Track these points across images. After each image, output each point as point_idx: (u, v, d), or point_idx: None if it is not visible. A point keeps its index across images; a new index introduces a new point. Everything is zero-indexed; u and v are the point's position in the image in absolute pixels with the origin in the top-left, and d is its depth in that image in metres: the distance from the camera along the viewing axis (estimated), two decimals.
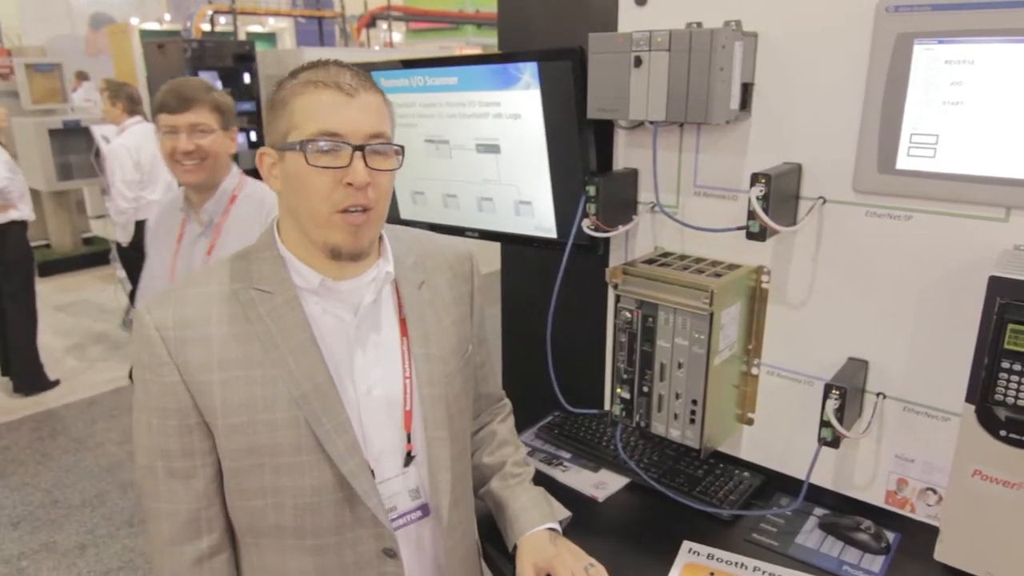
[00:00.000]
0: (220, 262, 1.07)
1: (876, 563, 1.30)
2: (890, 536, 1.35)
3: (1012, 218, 1.16)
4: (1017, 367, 1.02)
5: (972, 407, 1.06)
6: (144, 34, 7.82)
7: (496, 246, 1.95)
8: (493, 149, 1.70)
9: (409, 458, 1.09)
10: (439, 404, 1.10)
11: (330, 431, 1.01)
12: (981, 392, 1.05)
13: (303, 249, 1.04)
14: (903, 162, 1.22)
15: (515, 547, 1.25)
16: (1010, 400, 1.03)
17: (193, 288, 1.03)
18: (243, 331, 1.01)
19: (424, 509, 1.12)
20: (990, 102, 1.13)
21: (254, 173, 1.24)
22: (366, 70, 1.71)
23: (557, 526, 1.28)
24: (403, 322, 1.11)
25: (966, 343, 1.09)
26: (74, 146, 5.93)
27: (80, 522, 3.22)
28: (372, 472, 1.05)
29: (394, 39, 12.58)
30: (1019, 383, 1.02)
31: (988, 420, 1.05)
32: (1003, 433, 1.04)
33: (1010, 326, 1.01)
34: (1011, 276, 1.02)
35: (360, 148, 0.97)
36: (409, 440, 1.09)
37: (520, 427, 1.77)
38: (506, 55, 1.61)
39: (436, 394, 1.10)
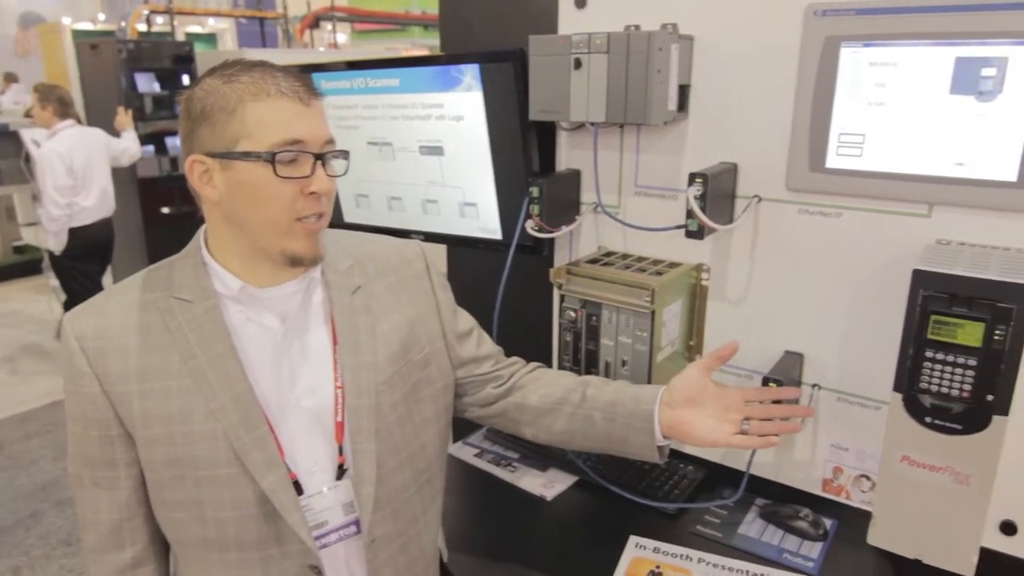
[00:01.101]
0: (146, 270, 1.06)
1: (815, 549, 1.34)
2: (828, 523, 1.40)
3: (934, 214, 1.21)
4: (940, 356, 1.06)
5: (899, 396, 1.11)
6: (76, 34, 7.55)
7: (443, 249, 1.94)
8: (437, 151, 1.70)
9: (341, 471, 1.06)
10: (366, 415, 1.06)
11: (248, 444, 0.98)
12: (907, 381, 1.09)
13: (233, 256, 1.02)
14: (832, 161, 1.26)
15: (651, 421, 1.14)
16: (934, 388, 1.08)
17: (116, 297, 1.03)
18: (161, 341, 0.99)
19: (359, 524, 1.07)
20: (911, 103, 1.18)
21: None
22: (307, 72, 1.67)
23: None
24: (334, 329, 1.08)
25: (894, 334, 1.13)
26: (3, 151, 5.68)
27: (14, 544, 3.08)
28: (299, 486, 1.02)
29: (339, 40, 12.42)
30: (942, 371, 1.07)
31: (914, 408, 1.10)
32: (928, 420, 1.09)
33: (933, 317, 1.06)
34: (933, 269, 1.06)
35: (321, 156, 0.97)
36: (341, 452, 1.05)
37: (469, 430, 1.77)
38: (447, 57, 1.61)
39: (363, 405, 1.06)
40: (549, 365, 1.72)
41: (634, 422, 1.16)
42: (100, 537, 1.04)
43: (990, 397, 1.04)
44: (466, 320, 1.28)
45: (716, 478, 1.54)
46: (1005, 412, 1.04)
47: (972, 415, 1.06)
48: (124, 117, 4.98)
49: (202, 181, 0.98)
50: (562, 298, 1.46)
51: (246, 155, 0.94)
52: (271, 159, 0.94)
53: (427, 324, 1.17)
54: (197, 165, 0.98)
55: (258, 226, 0.98)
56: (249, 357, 1.02)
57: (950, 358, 1.06)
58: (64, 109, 4.34)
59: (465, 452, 1.70)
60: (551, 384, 1.26)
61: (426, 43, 13.11)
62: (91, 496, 1.03)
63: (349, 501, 1.06)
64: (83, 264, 4.44)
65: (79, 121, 4.52)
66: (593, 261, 1.49)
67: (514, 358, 1.33)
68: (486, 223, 1.70)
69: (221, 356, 0.99)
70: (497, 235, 1.69)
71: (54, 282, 4.74)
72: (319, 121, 0.99)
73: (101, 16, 9.61)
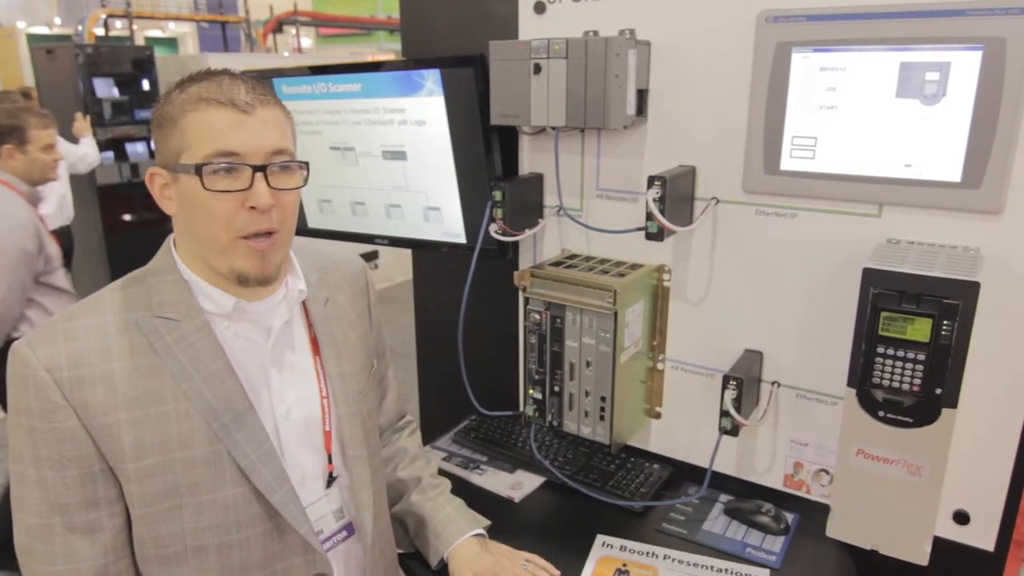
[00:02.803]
0: (110, 289, 0.99)
1: (777, 543, 1.37)
2: (789, 517, 1.42)
3: (885, 213, 1.25)
4: (891, 352, 1.09)
5: (853, 391, 1.14)
6: (32, 39, 7.40)
7: (408, 253, 1.95)
8: (400, 156, 1.70)
9: (331, 479, 1.07)
10: (355, 422, 1.09)
11: (255, 461, 0.96)
12: (860, 376, 1.12)
13: (203, 271, 0.98)
14: (786, 163, 1.30)
15: (442, 561, 1.24)
16: (886, 383, 1.11)
17: (83, 320, 0.94)
18: (150, 364, 0.94)
19: (349, 528, 1.10)
20: (860, 106, 1.21)
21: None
22: (265, 78, 1.66)
23: (484, 532, 1.29)
24: (314, 341, 1.09)
25: (848, 331, 1.16)
26: None
27: None
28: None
29: (304, 45, 12.32)
30: (893, 366, 1.10)
31: (867, 402, 1.13)
32: (881, 413, 1.12)
33: (883, 314, 1.09)
34: (882, 268, 1.09)
35: (261, 168, 0.92)
36: (330, 461, 1.07)
37: (437, 432, 1.78)
38: (408, 62, 1.62)
39: (352, 412, 1.08)
40: (516, 367, 1.74)
41: (428, 547, 1.26)
42: None
43: (939, 390, 1.08)
44: (382, 344, 1.31)
45: (681, 476, 1.57)
46: (953, 405, 1.08)
47: (922, 408, 1.09)
48: (82, 123, 4.88)
49: (162, 195, 0.96)
50: (526, 300, 1.47)
51: (184, 167, 0.91)
52: (199, 172, 0.90)
53: (371, 338, 1.22)
54: (156, 178, 0.96)
55: (203, 242, 0.95)
56: (242, 373, 0.99)
57: (900, 353, 1.09)
58: None
59: (433, 456, 1.70)
60: (391, 466, 1.33)
61: (392, 47, 13.07)
62: (65, 545, 0.93)
63: (339, 507, 1.09)
64: None
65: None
66: (556, 264, 1.51)
67: (389, 412, 1.37)
68: (450, 227, 1.71)
69: (218, 375, 0.96)
70: (461, 239, 1.70)
71: None
72: (262, 130, 0.93)
73: (57, 20, 9.40)
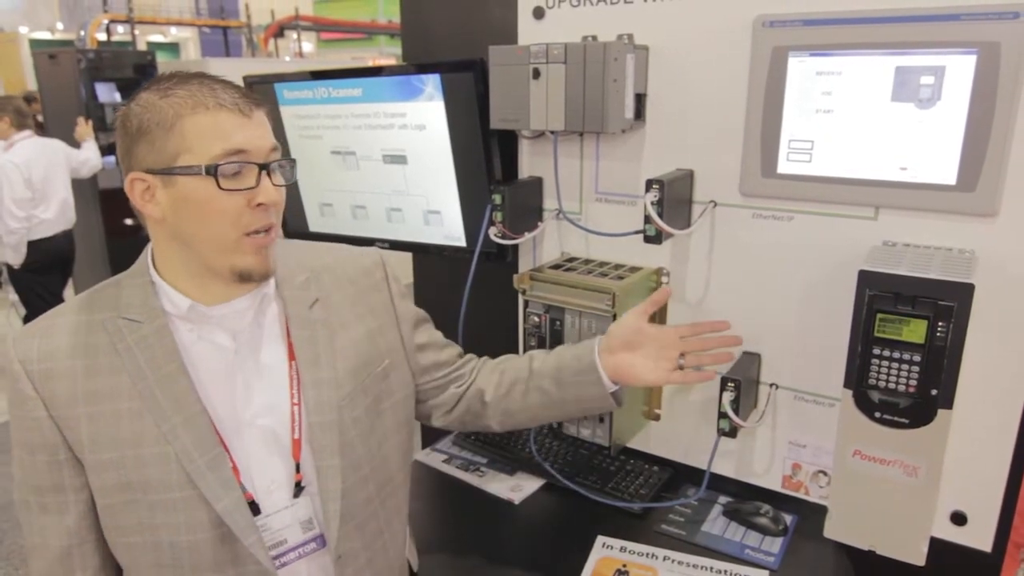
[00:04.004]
0: (92, 289, 1.04)
1: (775, 545, 1.38)
2: (788, 518, 1.43)
3: (881, 216, 1.26)
4: (886, 353, 1.10)
5: (850, 392, 1.15)
6: (34, 44, 7.44)
7: (408, 256, 1.96)
8: (400, 160, 1.71)
9: (299, 488, 1.05)
10: (329, 431, 1.05)
11: (202, 467, 0.97)
12: (857, 377, 1.13)
13: (180, 275, 1.00)
14: (783, 167, 1.31)
15: (597, 376, 1.18)
16: (882, 384, 1.12)
17: (62, 317, 1.01)
18: (110, 363, 0.98)
19: (320, 540, 1.07)
20: (856, 110, 1.22)
21: None
22: (267, 83, 1.68)
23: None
24: (291, 345, 1.07)
25: (845, 333, 1.17)
26: None
27: None
28: (256, 506, 1.02)
29: (306, 49, 12.37)
30: (889, 368, 1.11)
31: (864, 403, 1.14)
32: (877, 415, 1.13)
33: (879, 315, 1.10)
34: (878, 270, 1.10)
35: (265, 167, 0.96)
36: (298, 470, 1.05)
37: (437, 435, 1.78)
38: (409, 67, 1.63)
39: (327, 421, 1.05)
40: None
41: (581, 378, 1.19)
42: (48, 564, 1.01)
43: (934, 391, 1.08)
44: (426, 328, 1.27)
45: (680, 478, 1.57)
46: (949, 406, 1.09)
47: (918, 409, 1.10)
48: (84, 128, 4.91)
49: (144, 199, 0.96)
50: (526, 303, 1.48)
51: (187, 170, 0.92)
52: (213, 172, 0.92)
53: (387, 336, 1.17)
54: (137, 183, 0.95)
55: (205, 243, 0.96)
56: (201, 377, 1.00)
57: (896, 355, 1.10)
58: (21, 120, 4.26)
59: (433, 458, 1.71)
60: (500, 370, 1.29)
61: (393, 52, 13.11)
62: (38, 522, 1.01)
63: (308, 518, 1.06)
64: (43, 277, 4.36)
65: (38, 132, 4.44)
66: (556, 267, 1.52)
67: (469, 355, 1.34)
68: (450, 231, 1.72)
69: (171, 376, 0.98)
70: (461, 242, 1.71)
71: (13, 296, 4.64)
72: (261, 131, 0.97)
73: (59, 25, 9.43)
